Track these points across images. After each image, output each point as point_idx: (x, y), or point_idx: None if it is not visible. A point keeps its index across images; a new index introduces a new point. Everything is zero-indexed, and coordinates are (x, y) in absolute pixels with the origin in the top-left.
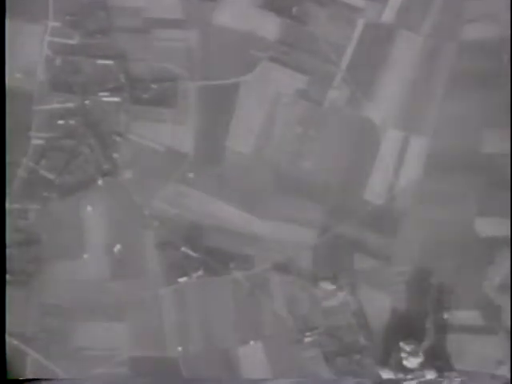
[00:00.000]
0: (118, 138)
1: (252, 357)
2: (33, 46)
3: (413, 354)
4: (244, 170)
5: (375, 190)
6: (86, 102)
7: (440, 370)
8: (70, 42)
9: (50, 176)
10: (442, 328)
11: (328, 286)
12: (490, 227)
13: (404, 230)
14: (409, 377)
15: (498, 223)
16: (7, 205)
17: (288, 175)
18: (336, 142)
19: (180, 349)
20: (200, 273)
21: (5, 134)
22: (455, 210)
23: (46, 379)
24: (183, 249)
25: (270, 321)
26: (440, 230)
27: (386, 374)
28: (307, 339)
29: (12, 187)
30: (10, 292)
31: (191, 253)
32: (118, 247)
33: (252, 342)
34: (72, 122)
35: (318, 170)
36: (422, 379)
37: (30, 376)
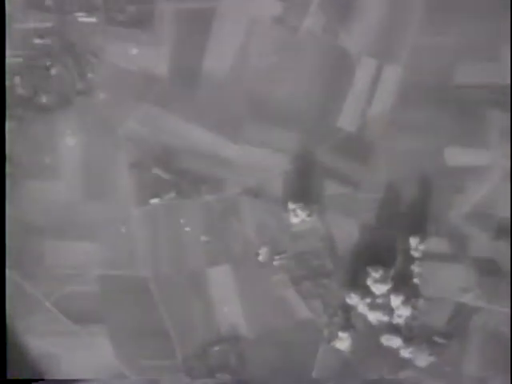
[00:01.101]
0: (93, 59)
1: (221, 279)
2: None
3: (381, 280)
4: (219, 93)
5: (348, 118)
6: (63, 21)
7: (406, 297)
8: None
9: (26, 95)
10: (410, 255)
11: (297, 211)
12: (459, 157)
13: (374, 158)
14: (376, 301)
15: (468, 153)
16: None
17: (262, 101)
18: (311, 69)
19: (150, 269)
20: (171, 195)
21: (4, 132)
22: (426, 139)
23: (46, 379)
24: (155, 170)
25: (240, 244)
26: (410, 159)
27: (352, 300)
28: (275, 263)
29: None
30: None
31: (163, 175)
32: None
33: (221, 267)
34: (48, 41)
35: (292, 96)
36: (389, 305)
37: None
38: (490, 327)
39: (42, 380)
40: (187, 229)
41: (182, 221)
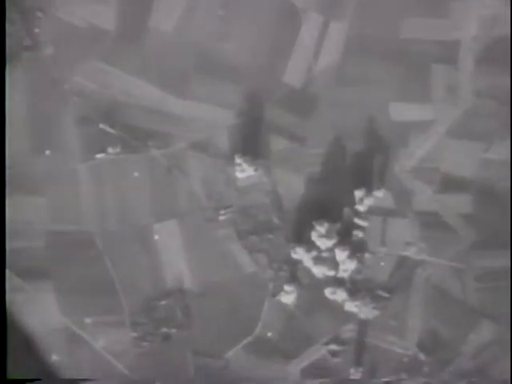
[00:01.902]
0: (39, 14)
1: (167, 234)
2: None
3: (326, 234)
4: (165, 49)
5: (294, 73)
6: None
7: (352, 251)
8: None
9: None
10: (355, 209)
11: (244, 166)
12: (404, 111)
13: (320, 113)
14: (322, 255)
15: (413, 108)
16: None
17: (209, 56)
18: (257, 25)
19: (97, 224)
20: (118, 149)
21: (4, 132)
22: (371, 93)
23: (46, 379)
24: (101, 125)
25: (186, 199)
26: (356, 113)
27: (297, 254)
28: (221, 217)
29: None
30: None
31: (109, 129)
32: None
33: (167, 222)
34: None
35: (239, 51)
36: (334, 259)
37: None
38: (433, 280)
39: (42, 380)
40: (133, 184)
41: (128, 176)
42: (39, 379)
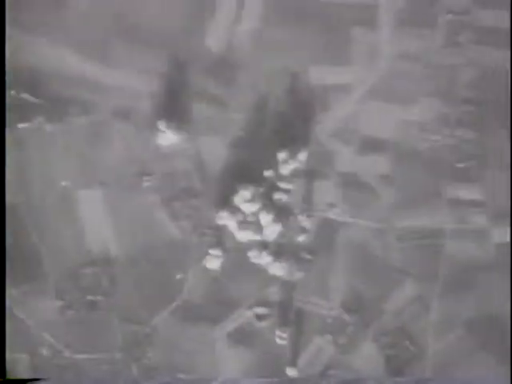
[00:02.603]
0: None
1: (91, 202)
2: None
3: (250, 199)
4: (86, 16)
5: (215, 38)
6: None
7: (275, 214)
8: None
9: None
10: (278, 173)
11: (167, 133)
12: (324, 75)
13: (242, 77)
14: (246, 220)
15: (333, 71)
16: None
17: (130, 22)
18: None
19: (21, 193)
20: (40, 119)
21: (4, 133)
22: (292, 57)
23: (46, 379)
24: (23, 95)
25: (110, 166)
26: (277, 77)
27: (222, 219)
28: (145, 184)
29: None
30: None
31: (32, 99)
32: None
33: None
34: None
35: (160, 17)
36: (258, 223)
37: None
38: (355, 241)
39: (42, 380)
40: (56, 152)
41: (51, 144)
42: (39, 379)
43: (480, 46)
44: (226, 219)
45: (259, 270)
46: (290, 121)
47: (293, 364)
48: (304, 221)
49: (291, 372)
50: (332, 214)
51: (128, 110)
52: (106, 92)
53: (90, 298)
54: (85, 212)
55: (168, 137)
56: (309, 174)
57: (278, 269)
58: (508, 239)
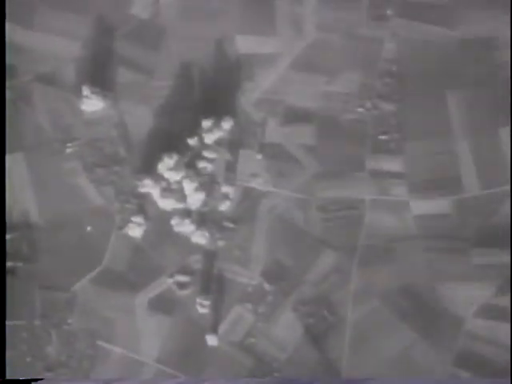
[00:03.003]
0: None
1: (14, 167)
2: None
3: (174, 167)
4: None
5: (141, 4)
6: None
7: (199, 183)
8: None
9: None
10: (203, 142)
11: (91, 98)
12: (249, 44)
13: (167, 44)
14: (169, 187)
15: (258, 41)
16: None
17: None
18: None
19: None
20: None
21: (4, 133)
22: (217, 26)
23: (45, 379)
24: None
25: (32, 132)
26: (202, 46)
27: (145, 187)
28: (68, 150)
29: None
30: None
31: None
32: None
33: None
34: None
35: None
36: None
37: None
38: (277, 211)
39: (42, 380)
40: None
41: None
42: (39, 379)
43: (402, 20)
44: (149, 187)
45: (182, 239)
46: (215, 89)
47: (213, 332)
48: (227, 190)
49: (211, 341)
50: (255, 184)
51: (52, 75)
52: (29, 56)
53: (10, 264)
54: (7, 177)
55: (92, 103)
56: (233, 144)
57: (200, 237)
58: (426, 211)
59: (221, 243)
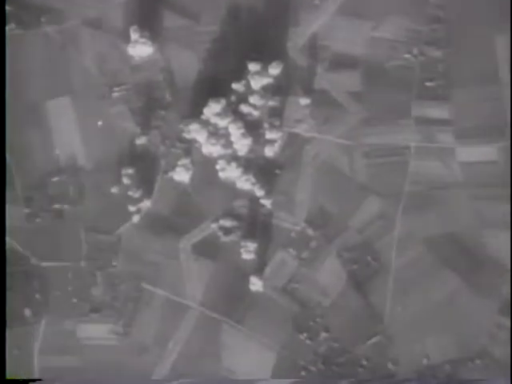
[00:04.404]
0: None
1: (61, 111)
2: None
3: (221, 112)
4: None
5: None
6: None
7: (246, 129)
8: None
9: None
10: (249, 87)
11: (138, 43)
12: None
13: None
14: (216, 133)
15: None
16: None
17: None
18: None
19: None
20: (12, 26)
21: (5, 134)
22: None
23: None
24: None
25: (80, 76)
26: None
27: (191, 132)
28: (115, 94)
29: None
30: None
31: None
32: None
33: (61, 99)
34: None
35: None
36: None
37: None
38: (322, 157)
39: (41, 380)
40: (27, 60)
41: (21, 52)
42: (39, 379)
43: None
44: (195, 132)
45: (227, 184)
46: (261, 35)
47: (257, 276)
48: (273, 136)
49: (255, 285)
50: (299, 130)
51: (99, 19)
52: (77, 0)
53: (56, 206)
54: (54, 121)
55: (139, 47)
56: (279, 90)
57: (245, 182)
58: (472, 158)
59: (265, 189)
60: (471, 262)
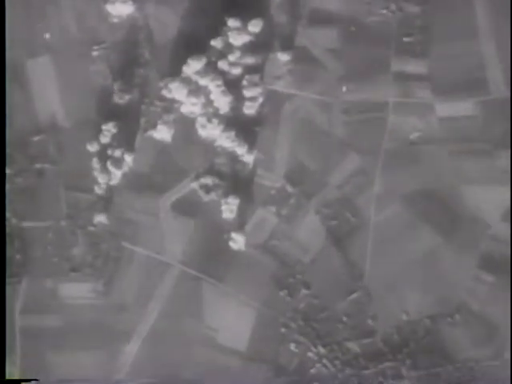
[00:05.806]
0: None
1: (40, 70)
2: None
3: (200, 70)
4: None
5: None
6: None
7: (226, 87)
8: None
9: None
10: (228, 44)
11: (117, 1)
12: None
13: None
14: (195, 92)
15: None
16: None
17: None
18: None
19: None
20: None
21: (5, 135)
22: None
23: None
24: None
25: (59, 34)
26: None
27: (170, 91)
28: (94, 53)
29: None
30: None
31: None
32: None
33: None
34: None
35: None
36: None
37: None
38: (301, 114)
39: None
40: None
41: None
42: (38, 379)
43: None
44: (175, 90)
45: (207, 142)
46: None
47: (237, 233)
48: (252, 93)
49: (236, 244)
50: (278, 86)
51: None
52: None
53: (37, 165)
54: (33, 80)
55: (118, 5)
56: (258, 47)
57: (225, 140)
58: (451, 113)
59: (244, 146)
60: (450, 218)
